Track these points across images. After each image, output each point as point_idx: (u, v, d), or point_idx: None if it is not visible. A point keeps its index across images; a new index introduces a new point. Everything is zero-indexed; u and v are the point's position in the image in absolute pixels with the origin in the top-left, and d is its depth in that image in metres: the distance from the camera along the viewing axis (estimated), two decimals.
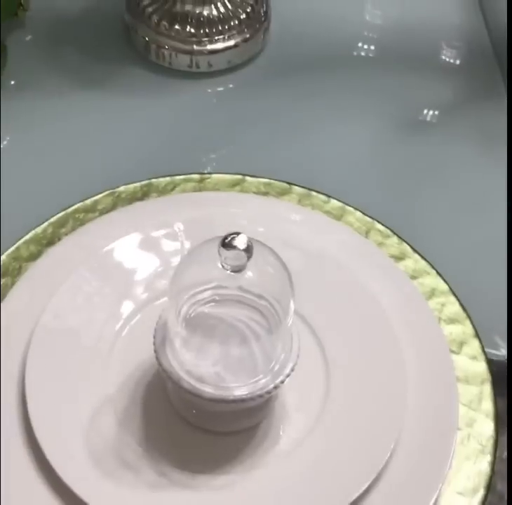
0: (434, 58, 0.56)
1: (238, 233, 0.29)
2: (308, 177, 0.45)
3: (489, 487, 0.34)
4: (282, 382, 0.32)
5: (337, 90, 0.53)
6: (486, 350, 0.38)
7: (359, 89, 0.53)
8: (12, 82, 0.51)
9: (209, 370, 0.32)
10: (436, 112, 0.53)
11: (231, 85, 0.53)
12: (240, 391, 0.32)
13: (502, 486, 0.36)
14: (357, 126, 0.51)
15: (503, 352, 0.40)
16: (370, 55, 0.56)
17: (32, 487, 0.33)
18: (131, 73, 0.53)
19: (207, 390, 0.31)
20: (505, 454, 0.37)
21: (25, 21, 0.54)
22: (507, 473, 0.36)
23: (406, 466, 0.34)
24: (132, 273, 0.38)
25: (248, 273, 0.30)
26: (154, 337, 0.32)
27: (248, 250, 0.29)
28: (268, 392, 0.32)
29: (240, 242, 0.28)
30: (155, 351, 0.32)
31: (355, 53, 0.56)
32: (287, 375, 0.32)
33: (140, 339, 0.34)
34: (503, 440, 0.36)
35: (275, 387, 0.32)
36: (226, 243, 0.28)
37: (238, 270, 0.29)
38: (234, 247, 0.28)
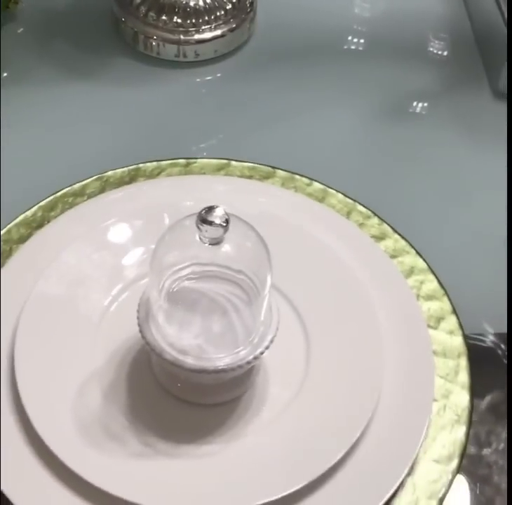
0: (420, 49, 0.57)
1: (215, 207, 0.30)
2: (293, 162, 0.46)
3: (464, 455, 0.35)
4: (261, 353, 0.33)
5: (322, 79, 0.54)
6: (463, 325, 0.39)
7: (345, 78, 0.54)
8: (5, 74, 0.53)
9: (191, 343, 0.33)
10: (420, 100, 0.54)
11: (218, 74, 0.54)
12: (221, 362, 0.33)
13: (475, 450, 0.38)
14: (342, 113, 0.52)
15: (479, 328, 0.41)
16: (358, 47, 0.57)
17: (21, 457, 0.34)
18: (120, 63, 0.54)
19: (189, 361, 0.33)
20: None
21: (17, 14, 0.56)
22: (507, 472, 0.37)
23: (383, 434, 0.35)
24: (121, 253, 0.40)
25: (226, 247, 0.31)
26: (138, 312, 0.34)
27: (225, 222, 0.30)
28: (249, 362, 0.33)
29: (217, 214, 0.30)
30: (139, 325, 0.33)
31: (342, 44, 0.57)
32: (267, 347, 0.33)
33: (127, 315, 0.35)
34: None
35: (255, 358, 0.33)
36: (204, 215, 0.30)
37: (215, 242, 0.30)
38: (211, 219, 0.29)
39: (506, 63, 0.51)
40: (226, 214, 0.30)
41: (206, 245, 0.31)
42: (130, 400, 0.35)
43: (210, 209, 0.30)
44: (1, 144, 0.48)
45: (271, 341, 0.33)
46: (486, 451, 0.38)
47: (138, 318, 0.33)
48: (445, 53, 0.57)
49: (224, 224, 0.30)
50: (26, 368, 0.35)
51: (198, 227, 0.30)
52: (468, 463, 0.37)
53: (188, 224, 0.31)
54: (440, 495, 0.34)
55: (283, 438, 0.35)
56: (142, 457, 0.34)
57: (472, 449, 0.37)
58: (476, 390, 0.38)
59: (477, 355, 0.39)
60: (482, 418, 0.38)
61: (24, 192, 0.44)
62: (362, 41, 0.57)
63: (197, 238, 0.30)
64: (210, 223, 0.30)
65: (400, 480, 0.34)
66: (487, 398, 0.39)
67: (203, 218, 0.29)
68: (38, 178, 0.46)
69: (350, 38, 0.57)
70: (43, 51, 0.54)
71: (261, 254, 0.32)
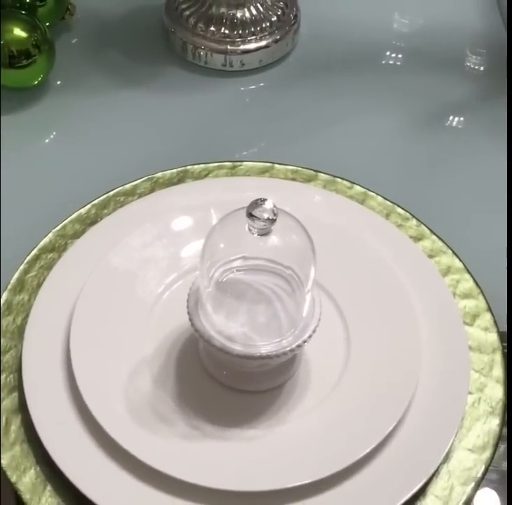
0: (457, 63, 0.58)
1: (265, 199, 0.32)
2: (334, 166, 0.47)
3: (497, 445, 0.37)
4: (304, 342, 0.35)
5: (362, 89, 0.56)
6: (497, 322, 0.41)
7: (383, 89, 0.56)
8: (59, 82, 0.55)
9: (238, 330, 0.35)
10: (456, 111, 0.55)
11: (262, 84, 0.56)
12: (266, 349, 0.35)
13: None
14: (380, 122, 0.54)
15: None
16: (397, 60, 0.59)
17: (76, 437, 0.36)
18: (169, 73, 0.56)
19: (236, 348, 0.34)
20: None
21: (72, 25, 0.58)
22: (507, 471, 0.38)
23: (420, 423, 0.36)
24: (176, 244, 0.42)
25: (273, 240, 0.33)
26: (188, 301, 0.36)
27: (274, 212, 0.32)
28: (292, 350, 0.35)
29: (267, 204, 0.32)
30: (188, 313, 0.35)
31: (381, 57, 0.59)
32: (309, 336, 0.35)
33: (178, 304, 0.36)
34: None
35: (298, 346, 0.35)
36: (254, 205, 0.31)
37: (264, 233, 0.32)
38: (261, 209, 0.31)
39: None
40: (275, 206, 0.32)
41: (255, 235, 0.32)
42: (179, 385, 0.37)
43: (261, 200, 0.32)
44: (58, 147, 0.51)
45: (314, 331, 0.35)
46: None
47: (188, 306, 0.35)
48: (481, 67, 0.59)
49: (274, 214, 0.32)
50: (81, 354, 0.37)
51: (249, 217, 0.32)
52: (500, 479, 0.38)
53: (238, 216, 0.33)
54: (474, 483, 0.36)
55: (323, 424, 0.36)
56: (190, 439, 0.36)
57: (504, 465, 0.38)
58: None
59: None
60: None
61: (79, 191, 0.46)
62: (400, 55, 0.59)
63: (246, 229, 0.32)
64: (260, 212, 0.32)
65: (436, 467, 0.35)
66: None
67: (254, 207, 0.31)
68: (92, 179, 0.49)
69: (389, 52, 0.59)
70: (96, 60, 0.57)
71: (306, 247, 0.34)
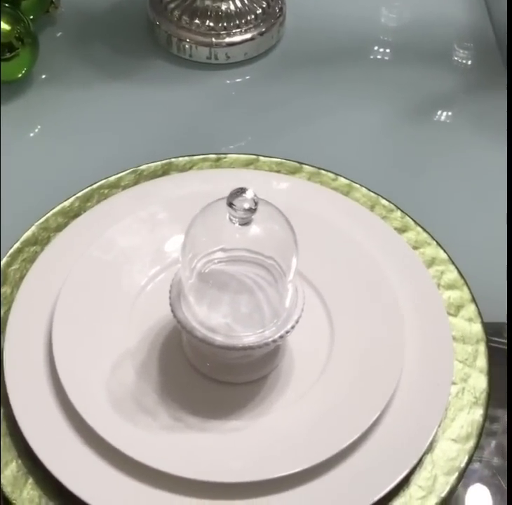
0: (444, 57, 0.58)
1: (245, 188, 0.32)
2: (318, 158, 0.47)
3: (481, 435, 0.37)
4: (287, 332, 0.35)
5: (348, 82, 0.56)
6: (482, 313, 0.40)
7: (370, 83, 0.56)
8: (44, 76, 0.55)
9: (220, 321, 0.35)
10: (442, 104, 0.55)
11: (247, 76, 0.56)
12: (248, 340, 0.34)
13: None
14: (366, 114, 0.54)
15: (497, 315, 0.42)
16: (384, 54, 0.59)
17: (58, 430, 0.35)
18: (154, 65, 0.56)
19: (218, 338, 0.34)
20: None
21: (56, 18, 0.58)
22: (507, 472, 0.38)
23: (404, 413, 0.36)
24: (158, 237, 0.41)
25: (255, 230, 0.33)
26: (170, 292, 0.35)
27: (255, 201, 0.31)
28: (274, 341, 0.35)
29: (248, 194, 0.31)
30: (170, 304, 0.35)
31: (368, 51, 0.59)
32: (292, 327, 0.35)
33: (161, 296, 0.36)
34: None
35: (281, 337, 0.35)
36: (234, 195, 0.31)
37: (245, 222, 0.32)
38: (242, 198, 0.31)
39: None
40: (256, 195, 0.32)
41: (236, 225, 0.32)
42: (162, 378, 0.37)
43: (241, 189, 0.31)
44: (41, 140, 0.51)
45: (297, 322, 0.35)
46: None
47: (170, 297, 0.35)
48: (469, 61, 0.58)
49: (254, 203, 0.32)
50: (63, 344, 0.37)
51: (229, 206, 0.31)
52: (492, 474, 0.38)
53: (218, 206, 0.33)
54: (457, 473, 0.36)
55: (306, 415, 0.36)
56: (172, 430, 0.35)
57: (495, 460, 0.38)
58: (501, 401, 0.39)
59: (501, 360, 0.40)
60: (506, 429, 0.39)
61: (63, 184, 0.46)
62: (387, 49, 0.59)
63: (227, 218, 0.32)
64: (241, 202, 0.31)
65: (419, 457, 0.35)
66: None
67: (234, 197, 0.31)
68: (76, 171, 0.49)
69: (376, 45, 0.59)
70: (81, 54, 0.56)
71: (288, 237, 0.34)
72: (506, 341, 0.42)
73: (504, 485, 0.38)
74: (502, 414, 0.39)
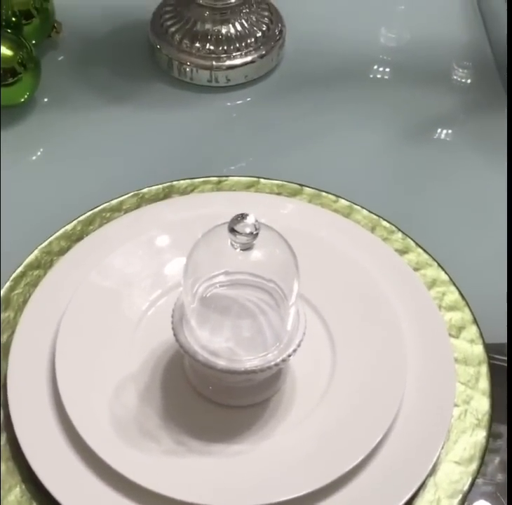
0: (444, 76, 0.59)
1: (246, 214, 0.32)
2: (319, 180, 0.48)
3: (484, 457, 0.37)
4: (289, 356, 0.35)
5: (348, 104, 0.56)
6: (483, 335, 0.41)
7: (370, 103, 0.57)
8: (46, 99, 0.55)
9: (222, 345, 0.35)
10: (442, 124, 0.56)
11: (248, 99, 0.57)
12: (251, 363, 0.34)
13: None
14: (367, 135, 0.54)
15: (498, 335, 0.42)
16: (384, 74, 0.59)
17: (61, 455, 0.36)
18: (155, 89, 0.56)
19: (221, 363, 0.34)
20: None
21: (58, 42, 0.59)
22: (507, 472, 0.38)
23: (406, 437, 0.36)
24: (159, 261, 0.42)
25: (256, 254, 0.33)
26: (172, 316, 0.36)
27: (256, 227, 0.32)
28: (277, 364, 0.35)
29: (249, 219, 0.32)
30: (173, 329, 0.35)
31: (368, 71, 0.59)
32: (294, 350, 0.35)
33: (163, 320, 0.36)
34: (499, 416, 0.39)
35: (283, 360, 0.35)
36: (236, 220, 0.32)
37: (246, 247, 0.32)
38: (243, 224, 0.32)
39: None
40: (257, 221, 0.32)
41: (237, 250, 0.33)
42: (164, 402, 0.37)
43: (242, 215, 0.32)
44: (44, 164, 0.51)
45: (299, 345, 0.35)
46: None
47: (172, 321, 0.35)
48: (468, 80, 0.59)
49: (255, 228, 0.32)
50: (66, 371, 0.37)
51: (231, 232, 0.32)
52: (496, 491, 0.38)
53: (220, 231, 0.33)
54: (461, 495, 0.36)
55: (308, 439, 0.36)
56: (175, 454, 0.36)
57: (499, 477, 0.38)
58: (503, 417, 0.39)
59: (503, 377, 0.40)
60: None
61: (65, 208, 0.46)
62: (387, 69, 0.59)
63: (229, 243, 0.32)
64: (242, 227, 0.32)
65: (422, 479, 0.35)
66: None
67: (235, 223, 0.32)
68: (78, 195, 0.49)
69: (376, 66, 0.59)
70: (83, 78, 0.57)
71: (289, 261, 0.34)
72: (504, 357, 0.42)
73: (505, 503, 0.38)
74: (505, 430, 0.39)
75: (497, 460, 0.39)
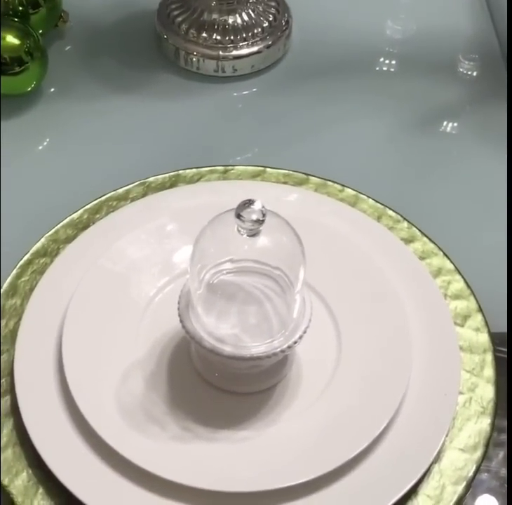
0: (450, 68, 0.59)
1: (253, 200, 0.32)
2: (325, 169, 0.48)
3: (489, 444, 0.37)
4: (295, 342, 0.35)
5: (354, 94, 0.56)
6: (488, 323, 0.41)
7: (376, 94, 0.56)
8: (52, 89, 0.56)
9: (228, 332, 0.35)
10: (448, 114, 0.56)
11: (254, 89, 0.57)
12: (257, 350, 0.35)
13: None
14: (373, 126, 0.54)
15: (503, 325, 0.42)
16: (390, 66, 0.59)
17: (68, 440, 0.36)
18: (162, 78, 0.57)
19: (227, 349, 0.35)
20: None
21: (65, 32, 0.59)
22: (507, 472, 0.38)
23: (411, 423, 0.37)
24: (167, 248, 0.42)
25: (263, 241, 0.33)
26: (179, 303, 0.36)
27: (263, 212, 0.32)
28: (283, 351, 0.35)
29: (255, 205, 0.32)
30: (179, 315, 0.35)
31: (374, 63, 0.59)
32: (300, 337, 0.35)
33: (170, 307, 0.36)
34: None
35: (289, 347, 0.35)
36: (242, 207, 0.32)
37: (253, 234, 0.32)
38: (250, 209, 0.32)
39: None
40: (264, 207, 0.32)
41: (244, 236, 0.33)
42: (170, 388, 0.37)
43: (249, 201, 0.32)
44: (51, 153, 0.52)
45: (304, 332, 0.35)
46: None
47: (179, 308, 0.36)
48: (474, 72, 0.59)
49: (262, 214, 0.32)
50: (73, 357, 0.37)
51: (237, 218, 0.32)
52: (500, 485, 0.38)
53: (227, 218, 0.33)
54: (465, 482, 0.36)
55: (314, 426, 0.36)
56: (181, 440, 0.36)
57: (503, 471, 0.38)
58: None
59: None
60: None
61: (72, 196, 0.46)
62: (393, 61, 0.59)
63: (235, 230, 0.33)
64: (249, 213, 0.32)
65: (427, 466, 0.36)
66: None
67: (242, 209, 0.32)
68: (84, 184, 0.49)
69: (382, 57, 0.59)
70: (90, 67, 0.57)
71: (295, 248, 0.34)
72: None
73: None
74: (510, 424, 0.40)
75: (501, 454, 0.39)
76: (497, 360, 0.40)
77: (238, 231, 0.33)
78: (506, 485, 0.38)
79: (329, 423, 0.36)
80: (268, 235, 0.33)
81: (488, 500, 0.38)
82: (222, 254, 0.35)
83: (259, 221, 0.32)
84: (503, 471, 0.38)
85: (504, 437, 0.39)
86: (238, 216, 0.32)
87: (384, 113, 0.55)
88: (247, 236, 0.33)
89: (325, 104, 0.55)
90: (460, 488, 0.36)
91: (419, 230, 0.44)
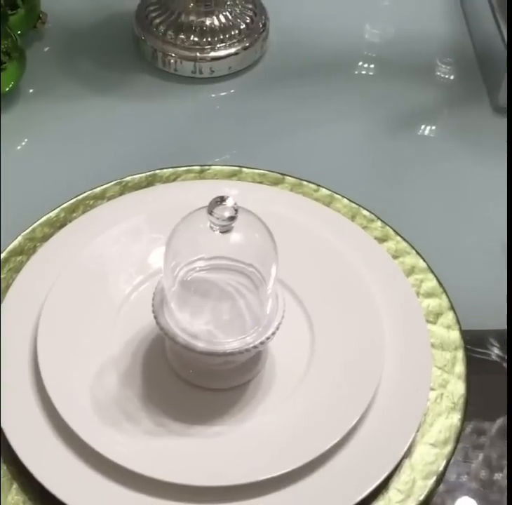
0: (425, 70, 0.59)
1: (226, 197, 0.32)
2: (301, 170, 0.48)
3: (459, 440, 0.37)
4: (268, 338, 0.35)
5: (331, 96, 0.57)
6: (460, 320, 0.41)
7: (353, 96, 0.57)
8: (31, 90, 0.56)
9: (201, 328, 0.35)
10: (424, 116, 0.56)
11: (232, 90, 0.57)
12: (230, 346, 0.35)
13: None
14: (348, 127, 0.55)
15: (474, 323, 0.43)
16: (368, 69, 0.59)
17: (42, 435, 0.36)
18: (140, 80, 0.57)
19: (200, 345, 0.35)
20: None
21: (43, 33, 0.59)
22: (507, 472, 0.39)
23: (383, 418, 0.37)
24: (142, 247, 0.42)
25: (235, 238, 0.34)
26: (153, 299, 0.36)
27: (235, 209, 0.32)
28: (255, 347, 0.35)
29: (227, 202, 0.32)
30: (153, 311, 0.36)
31: (352, 66, 0.59)
32: (273, 333, 0.36)
33: (145, 305, 0.37)
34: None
35: (262, 343, 0.35)
36: (214, 203, 0.32)
37: (225, 230, 0.33)
38: (222, 206, 0.32)
39: (506, 77, 0.54)
40: (236, 203, 0.33)
41: (216, 233, 0.33)
42: (145, 384, 0.38)
43: (221, 198, 0.32)
44: (29, 152, 0.52)
45: (277, 328, 0.36)
46: (498, 476, 0.39)
47: (153, 304, 0.36)
48: (451, 76, 0.59)
49: (234, 211, 0.32)
50: (48, 353, 0.38)
51: (210, 214, 0.32)
52: (480, 487, 0.39)
53: (199, 215, 0.33)
54: (435, 476, 0.36)
55: (287, 420, 0.37)
56: (155, 436, 0.36)
57: (483, 473, 0.39)
58: (487, 413, 0.40)
59: (482, 370, 0.41)
60: (493, 442, 0.40)
61: (49, 196, 0.46)
62: (371, 64, 0.60)
63: (208, 226, 0.33)
64: (221, 210, 0.32)
65: (398, 460, 0.36)
66: (498, 421, 0.40)
67: (214, 205, 0.32)
68: (61, 184, 0.49)
69: (360, 60, 0.60)
70: (68, 68, 0.57)
71: (267, 245, 0.35)
72: (482, 350, 0.43)
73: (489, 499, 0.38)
74: (489, 426, 0.40)
75: (481, 457, 0.40)
76: (468, 357, 0.40)
77: (211, 227, 0.33)
78: (506, 488, 0.38)
79: (302, 418, 0.37)
80: (241, 231, 0.34)
81: (468, 502, 0.38)
82: (195, 251, 0.36)
83: (231, 218, 0.32)
84: (483, 473, 0.39)
85: (484, 439, 0.40)
86: (210, 212, 0.32)
87: (361, 115, 0.56)
88: (220, 232, 0.33)
89: (301, 105, 0.56)
90: (430, 482, 0.36)
91: (393, 229, 0.45)
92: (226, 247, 0.35)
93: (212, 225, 0.33)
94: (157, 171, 0.47)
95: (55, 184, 0.50)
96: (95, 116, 0.55)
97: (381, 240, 0.44)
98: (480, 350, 0.43)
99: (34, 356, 0.38)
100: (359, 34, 0.62)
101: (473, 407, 0.39)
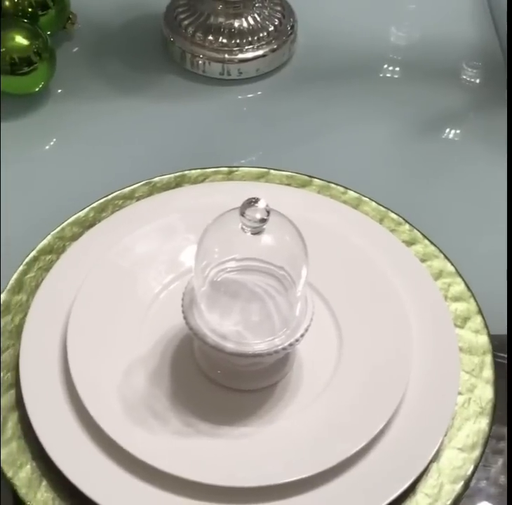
0: (453, 75, 0.59)
1: (258, 198, 0.33)
2: (328, 172, 0.48)
3: (487, 444, 0.37)
4: (296, 340, 0.35)
5: (358, 99, 0.57)
6: (488, 325, 0.41)
7: (380, 99, 0.57)
8: (60, 90, 0.56)
9: (231, 329, 0.35)
10: (451, 119, 0.56)
11: (259, 92, 0.57)
12: (258, 347, 0.35)
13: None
14: (375, 129, 0.55)
15: (503, 327, 0.42)
16: (394, 72, 0.60)
17: (71, 433, 0.36)
18: (168, 81, 0.57)
19: (229, 345, 0.35)
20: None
21: (73, 34, 0.59)
22: (507, 472, 0.39)
23: (411, 422, 0.37)
24: (174, 247, 0.42)
25: (266, 239, 0.34)
26: (183, 299, 0.36)
27: (267, 211, 0.32)
28: (284, 349, 0.35)
29: (260, 204, 0.32)
30: (183, 312, 0.36)
31: (378, 69, 0.60)
32: (302, 335, 0.36)
33: (175, 304, 0.37)
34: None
35: (290, 344, 0.35)
36: (247, 205, 0.32)
37: (257, 232, 0.33)
38: (254, 207, 0.32)
39: None
40: (268, 205, 0.33)
41: (248, 234, 0.33)
42: (173, 384, 0.38)
43: (254, 200, 0.32)
44: (58, 152, 0.52)
45: (306, 330, 0.36)
46: None
47: (183, 305, 0.36)
48: (477, 79, 0.59)
49: (266, 212, 0.33)
50: (77, 350, 0.38)
51: (242, 215, 0.32)
52: (500, 493, 0.39)
53: (231, 216, 0.34)
54: (463, 481, 0.36)
55: (314, 423, 0.37)
56: (183, 435, 0.36)
57: (502, 478, 0.39)
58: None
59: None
60: None
61: (78, 195, 0.46)
62: (397, 67, 0.60)
63: (240, 227, 0.33)
64: (253, 211, 0.32)
65: (426, 465, 0.36)
66: None
67: (247, 207, 0.32)
68: (90, 184, 0.50)
69: (385, 63, 0.60)
70: (97, 69, 0.58)
71: (298, 247, 0.35)
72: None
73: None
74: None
75: (500, 462, 0.39)
76: (496, 362, 0.40)
77: (242, 229, 0.33)
78: (506, 492, 0.38)
79: (329, 421, 0.37)
80: (272, 233, 0.34)
81: None
82: (226, 252, 0.36)
83: (263, 220, 0.33)
84: (502, 479, 0.39)
85: (503, 444, 0.40)
86: (243, 214, 0.33)
87: (387, 118, 0.56)
88: (251, 234, 0.33)
89: (328, 107, 0.56)
90: (458, 487, 0.36)
91: (421, 232, 0.45)
92: (257, 248, 0.35)
93: (243, 226, 0.33)
94: (186, 172, 0.47)
95: (84, 184, 0.50)
96: (123, 117, 0.55)
97: (409, 243, 0.44)
98: (503, 355, 0.42)
99: (64, 354, 0.38)
100: (385, 37, 0.62)
101: (499, 412, 0.39)
